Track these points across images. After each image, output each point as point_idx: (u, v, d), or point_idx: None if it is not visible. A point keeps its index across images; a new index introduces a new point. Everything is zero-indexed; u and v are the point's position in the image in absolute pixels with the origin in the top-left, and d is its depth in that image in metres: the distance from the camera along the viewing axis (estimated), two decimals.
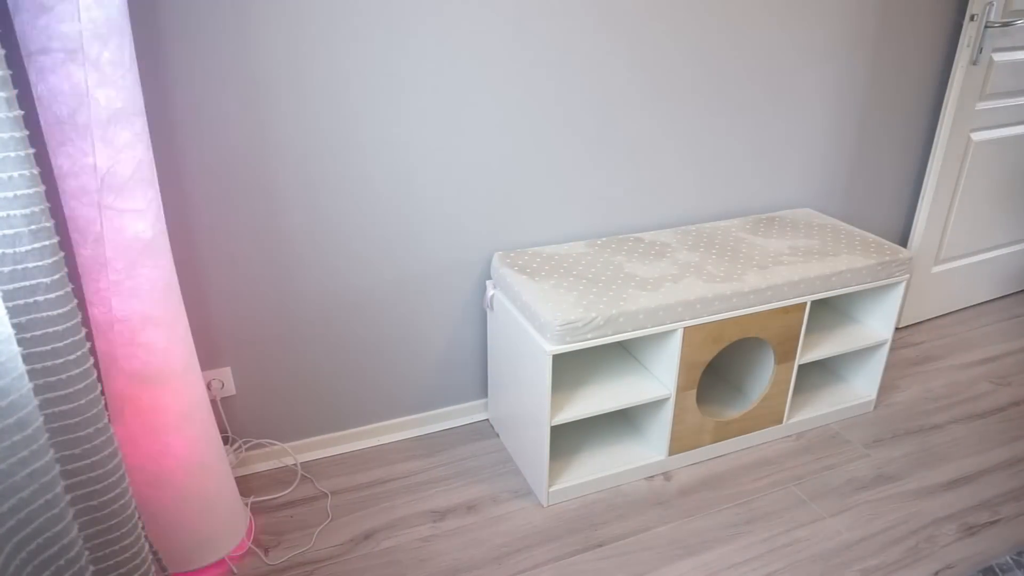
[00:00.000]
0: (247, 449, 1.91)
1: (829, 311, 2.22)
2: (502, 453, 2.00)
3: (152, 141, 1.44)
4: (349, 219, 1.76)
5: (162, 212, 1.36)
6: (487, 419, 2.14)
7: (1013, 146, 2.55)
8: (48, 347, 1.04)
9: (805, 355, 1.97)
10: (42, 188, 0.99)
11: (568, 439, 1.97)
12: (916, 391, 2.28)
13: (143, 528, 1.27)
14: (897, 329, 2.64)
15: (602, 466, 1.87)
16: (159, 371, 1.38)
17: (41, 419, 0.97)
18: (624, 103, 1.93)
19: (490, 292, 1.90)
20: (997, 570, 1.56)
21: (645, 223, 2.12)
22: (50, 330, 1.03)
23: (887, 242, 2.04)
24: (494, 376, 2.03)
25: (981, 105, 2.40)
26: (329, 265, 1.79)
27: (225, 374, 1.80)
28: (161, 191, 1.53)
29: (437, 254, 1.89)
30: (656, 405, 1.87)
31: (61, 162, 1.20)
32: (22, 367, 0.94)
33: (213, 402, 1.81)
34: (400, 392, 2.03)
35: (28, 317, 1.01)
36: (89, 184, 1.21)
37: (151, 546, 1.32)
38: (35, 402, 0.96)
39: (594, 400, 1.77)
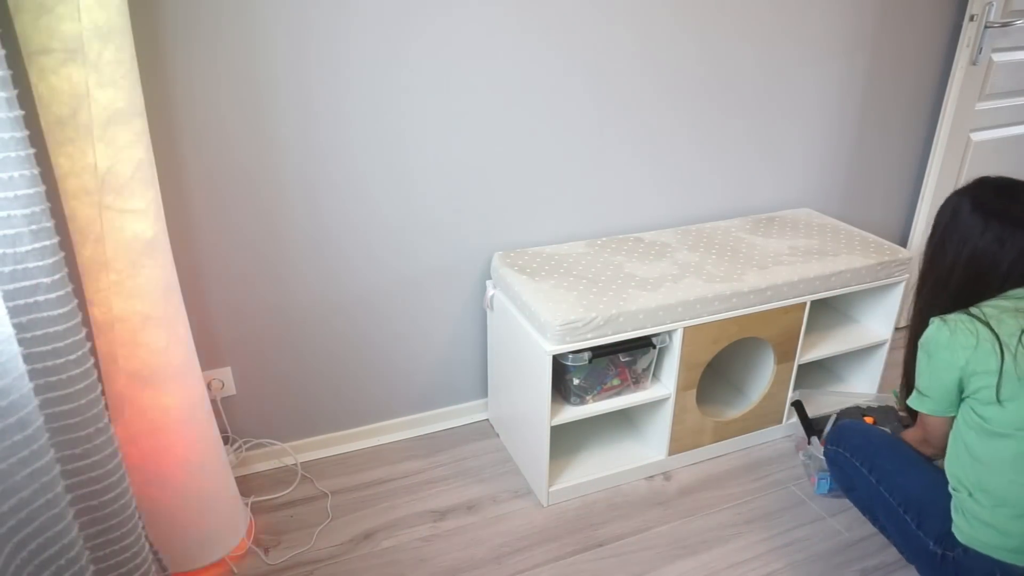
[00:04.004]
0: (247, 449, 1.91)
1: (829, 311, 2.22)
2: (502, 453, 2.00)
3: (152, 141, 1.43)
4: (349, 219, 1.76)
5: (162, 212, 1.36)
6: (487, 419, 2.14)
7: (1013, 146, 2.55)
8: (48, 347, 1.04)
9: (805, 355, 1.97)
10: (42, 188, 0.99)
11: (568, 439, 1.97)
12: None
13: (143, 528, 1.27)
14: (897, 329, 2.64)
15: (602, 466, 1.87)
16: (159, 371, 1.38)
17: (41, 419, 0.97)
18: (624, 104, 1.93)
19: (490, 292, 1.90)
20: None
21: (645, 223, 2.12)
22: (50, 330, 1.03)
23: (887, 242, 2.04)
24: (494, 376, 2.03)
25: (980, 105, 2.40)
26: (329, 265, 1.79)
27: (225, 374, 1.80)
28: (161, 191, 1.53)
29: (437, 254, 1.89)
30: (656, 405, 1.87)
31: (61, 162, 1.20)
32: (22, 367, 0.94)
33: (213, 402, 1.81)
34: (400, 392, 2.03)
35: (28, 317, 1.01)
36: (89, 184, 1.21)
37: (151, 546, 1.32)
38: (35, 402, 0.96)
39: None
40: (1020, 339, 1.18)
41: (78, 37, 1.12)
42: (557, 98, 1.84)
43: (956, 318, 1.26)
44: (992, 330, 1.21)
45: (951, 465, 1.31)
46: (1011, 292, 1.27)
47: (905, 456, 1.45)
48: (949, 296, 1.32)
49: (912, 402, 1.36)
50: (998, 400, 1.19)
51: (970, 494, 1.25)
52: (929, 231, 1.39)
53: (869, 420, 1.72)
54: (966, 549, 1.26)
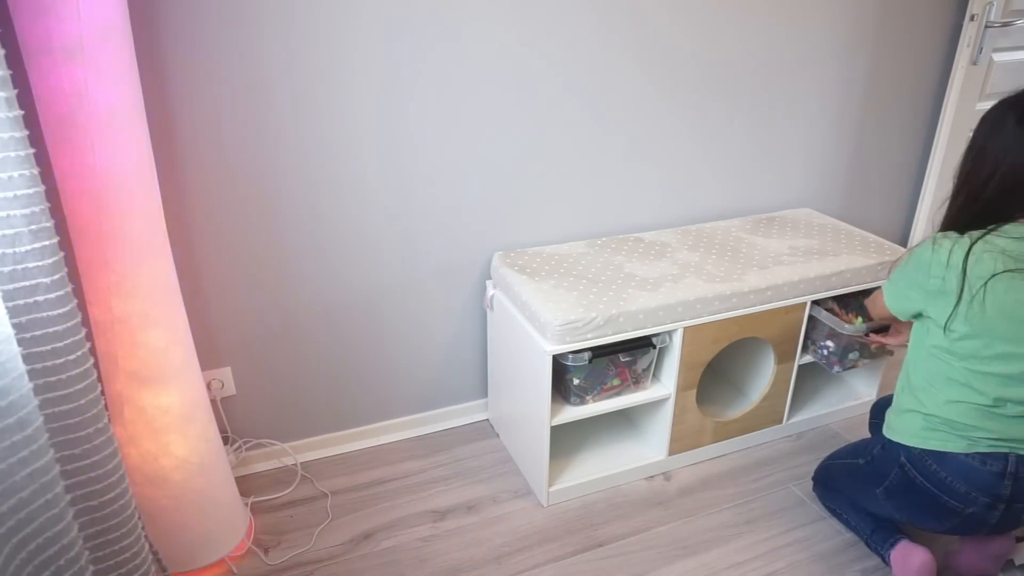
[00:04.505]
0: (247, 449, 1.91)
1: None
2: (502, 453, 2.00)
3: (152, 141, 1.43)
4: (349, 219, 1.76)
5: (162, 212, 1.36)
6: (487, 419, 2.14)
7: None
8: (48, 347, 1.04)
9: (805, 355, 1.97)
10: (42, 188, 0.99)
11: (568, 439, 1.97)
12: None
13: (143, 528, 1.27)
14: None
15: (602, 466, 1.87)
16: (159, 371, 1.38)
17: (41, 419, 0.97)
18: (624, 104, 1.93)
19: (490, 292, 1.90)
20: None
21: (645, 223, 2.12)
22: (50, 330, 1.03)
23: (887, 242, 2.04)
24: (494, 376, 2.03)
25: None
26: (329, 265, 1.79)
27: (225, 374, 1.80)
28: (161, 191, 1.53)
29: (437, 254, 1.89)
30: (656, 405, 1.87)
31: (61, 162, 1.20)
32: (22, 367, 0.94)
33: (213, 402, 1.81)
34: (400, 392, 2.03)
35: (28, 317, 1.01)
36: (89, 184, 1.21)
37: (151, 546, 1.32)
38: (35, 402, 0.96)
39: None
40: (985, 285, 1.27)
41: (78, 37, 1.12)
42: (558, 98, 1.84)
43: (944, 244, 1.32)
44: (964, 268, 1.28)
45: (905, 378, 1.49)
46: (1008, 228, 1.30)
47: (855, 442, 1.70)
48: (979, 210, 1.34)
49: (885, 286, 1.49)
50: (945, 330, 1.33)
51: (911, 395, 1.45)
52: (968, 143, 1.38)
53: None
54: (884, 444, 1.50)
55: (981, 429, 1.34)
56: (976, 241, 1.29)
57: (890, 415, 1.51)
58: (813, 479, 1.80)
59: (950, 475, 1.37)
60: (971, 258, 1.28)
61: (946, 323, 1.32)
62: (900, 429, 1.46)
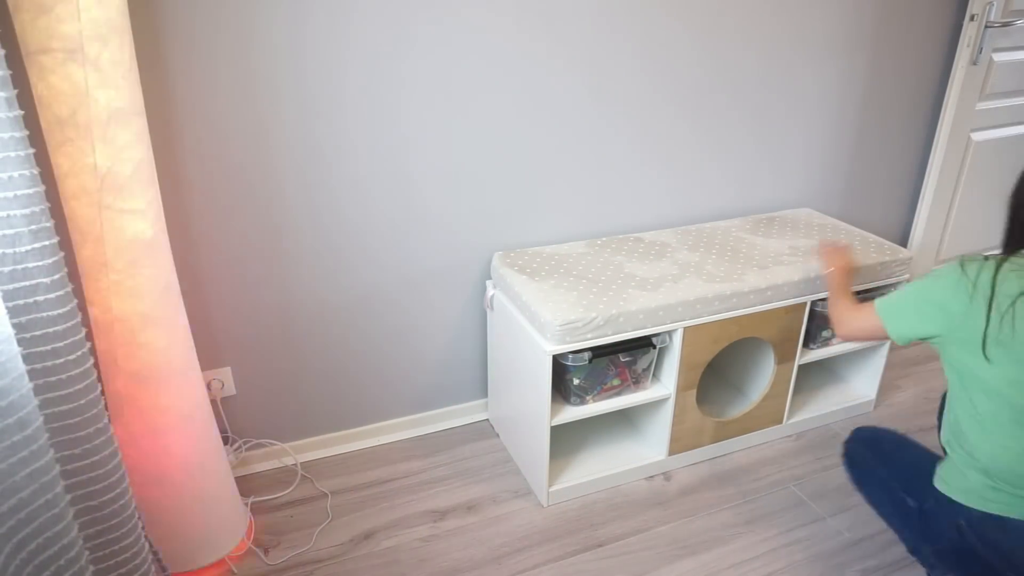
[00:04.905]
0: (247, 449, 1.91)
1: None
2: (502, 453, 2.00)
3: (152, 141, 1.43)
4: (349, 219, 1.76)
5: (162, 212, 1.36)
6: (487, 419, 2.14)
7: (1013, 146, 2.55)
8: (48, 347, 1.04)
9: (805, 355, 1.97)
10: (42, 188, 0.99)
11: (568, 439, 1.97)
12: (916, 391, 2.28)
13: (143, 528, 1.27)
14: None
15: (602, 466, 1.87)
16: (159, 371, 1.38)
17: (41, 419, 0.97)
18: (624, 104, 1.93)
19: (490, 292, 1.90)
20: None
21: (645, 223, 2.12)
22: (50, 330, 1.03)
23: (887, 242, 2.04)
24: (494, 376, 2.03)
25: (981, 105, 2.40)
26: (329, 265, 1.79)
27: (225, 374, 1.80)
28: (161, 191, 1.53)
29: (437, 254, 1.89)
30: (656, 405, 1.87)
31: (61, 162, 1.20)
32: (22, 367, 0.94)
33: (213, 402, 1.81)
34: (400, 392, 2.03)
35: (28, 317, 1.01)
36: (89, 184, 1.21)
37: (151, 546, 1.32)
38: (35, 402, 0.96)
39: None
40: (1013, 304, 1.19)
41: (78, 37, 1.12)
42: (557, 98, 1.84)
43: (972, 266, 1.25)
44: (993, 286, 1.21)
45: (949, 423, 1.34)
46: None
47: (900, 441, 1.50)
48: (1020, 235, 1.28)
49: (882, 305, 1.37)
50: (985, 356, 1.22)
51: (960, 446, 1.30)
52: None
53: None
54: (938, 498, 1.32)
55: None
56: (1003, 262, 1.24)
57: (942, 468, 1.35)
58: (847, 461, 1.56)
59: (1018, 545, 1.23)
60: (998, 277, 1.22)
61: (982, 348, 1.22)
62: (955, 486, 1.30)
